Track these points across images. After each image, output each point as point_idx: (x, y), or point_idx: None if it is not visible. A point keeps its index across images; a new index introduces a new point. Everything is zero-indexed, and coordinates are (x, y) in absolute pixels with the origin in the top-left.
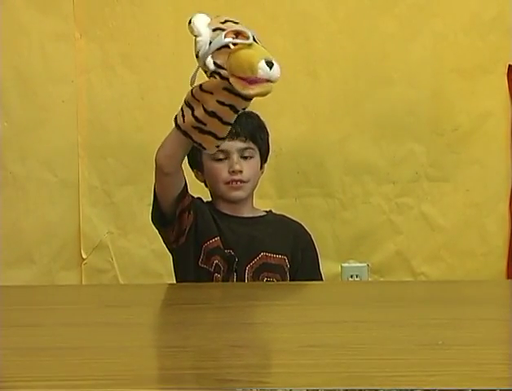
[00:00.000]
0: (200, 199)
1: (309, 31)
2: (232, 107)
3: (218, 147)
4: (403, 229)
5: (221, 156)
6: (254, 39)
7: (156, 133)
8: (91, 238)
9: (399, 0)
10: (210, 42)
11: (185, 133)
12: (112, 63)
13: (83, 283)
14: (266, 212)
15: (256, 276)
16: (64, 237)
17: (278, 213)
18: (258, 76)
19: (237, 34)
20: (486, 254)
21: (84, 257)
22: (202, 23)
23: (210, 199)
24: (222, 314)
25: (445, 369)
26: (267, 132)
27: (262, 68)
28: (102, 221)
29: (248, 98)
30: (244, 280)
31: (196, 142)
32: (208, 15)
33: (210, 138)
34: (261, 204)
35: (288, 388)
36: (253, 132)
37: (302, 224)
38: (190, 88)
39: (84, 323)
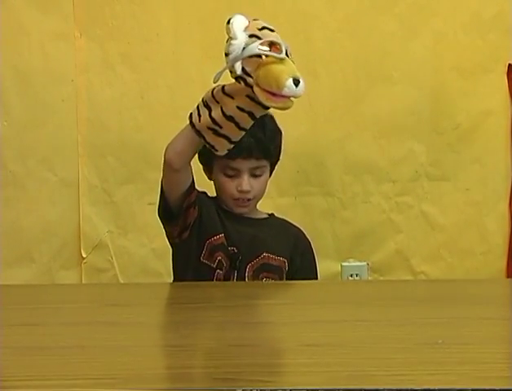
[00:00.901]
0: (205, 193)
1: (309, 30)
2: (251, 114)
3: (228, 150)
4: (403, 228)
5: (231, 174)
6: (286, 53)
7: (156, 133)
8: (91, 237)
9: None
10: (244, 48)
11: (198, 133)
12: (111, 62)
13: (83, 282)
14: (268, 215)
15: (256, 275)
16: (63, 236)
17: (280, 217)
18: (283, 93)
19: (271, 45)
20: (486, 253)
21: (84, 256)
22: (240, 26)
23: (215, 194)
24: (222, 313)
25: (445, 368)
26: (281, 134)
27: (288, 87)
28: (102, 221)
29: (267, 107)
30: (245, 278)
31: (208, 143)
32: (246, 17)
33: (224, 141)
34: (261, 204)
35: (288, 388)
36: (268, 145)
37: (302, 229)
38: (213, 85)
39: (84, 322)
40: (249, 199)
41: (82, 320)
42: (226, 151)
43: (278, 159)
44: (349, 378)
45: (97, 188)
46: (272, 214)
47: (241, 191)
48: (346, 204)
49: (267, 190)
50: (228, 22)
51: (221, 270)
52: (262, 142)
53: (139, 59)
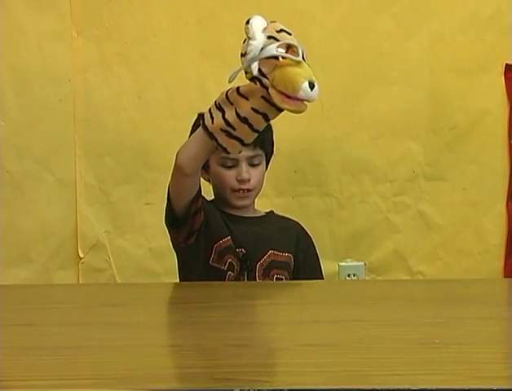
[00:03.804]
0: (203, 198)
1: (306, 30)
2: (265, 116)
3: (240, 152)
4: (400, 228)
5: (229, 164)
6: (303, 56)
7: (154, 133)
8: (88, 237)
9: None
10: (261, 49)
11: (211, 135)
12: (109, 62)
13: (80, 282)
14: (266, 212)
15: (266, 274)
16: (61, 236)
17: (279, 213)
18: (298, 96)
19: (288, 48)
20: (483, 253)
21: (81, 256)
22: (259, 26)
23: (213, 197)
24: (221, 312)
25: (442, 368)
26: (272, 130)
27: (303, 90)
28: (99, 221)
29: (281, 110)
30: (255, 278)
31: (220, 146)
32: (265, 18)
33: (236, 142)
34: (258, 204)
35: (286, 388)
36: (262, 136)
37: (302, 225)
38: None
39: (81, 322)
40: (248, 190)
41: (80, 320)
42: (238, 154)
43: (272, 153)
44: (346, 378)
45: (94, 188)
46: (271, 211)
47: (241, 181)
48: (344, 203)
49: (264, 187)
50: (248, 22)
51: (232, 271)
52: None
53: (137, 59)
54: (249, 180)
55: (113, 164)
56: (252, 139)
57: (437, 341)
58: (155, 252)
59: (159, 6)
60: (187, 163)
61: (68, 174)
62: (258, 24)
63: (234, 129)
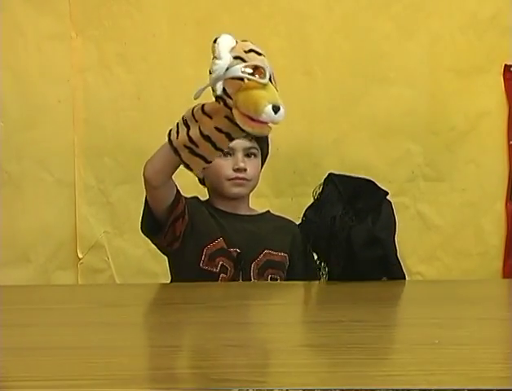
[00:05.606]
0: (196, 198)
1: (305, 31)
2: (228, 135)
3: (204, 169)
4: (399, 228)
5: (225, 152)
6: (270, 79)
7: (153, 133)
8: (87, 237)
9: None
10: (227, 68)
11: (175, 151)
12: (108, 62)
13: (79, 282)
14: (262, 212)
15: (261, 273)
16: (60, 237)
17: (275, 213)
18: (261, 119)
19: (255, 69)
20: (482, 254)
21: (80, 256)
22: (226, 46)
23: (207, 197)
24: (218, 313)
25: (441, 368)
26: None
27: (266, 113)
28: (98, 221)
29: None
30: (250, 278)
31: (183, 162)
32: (234, 37)
33: (199, 160)
34: (257, 204)
35: (284, 388)
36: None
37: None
38: (193, 100)
39: (80, 323)
40: (245, 179)
41: (79, 321)
42: (200, 172)
43: (267, 153)
44: (345, 378)
45: (93, 189)
46: (268, 211)
47: (237, 170)
48: None
49: (263, 187)
50: (215, 41)
51: (225, 273)
52: None
53: (136, 60)
54: (245, 169)
55: (112, 164)
56: (215, 157)
57: (436, 342)
58: (154, 253)
59: (158, 6)
60: (153, 176)
61: (67, 175)
62: (226, 43)
63: (197, 146)
